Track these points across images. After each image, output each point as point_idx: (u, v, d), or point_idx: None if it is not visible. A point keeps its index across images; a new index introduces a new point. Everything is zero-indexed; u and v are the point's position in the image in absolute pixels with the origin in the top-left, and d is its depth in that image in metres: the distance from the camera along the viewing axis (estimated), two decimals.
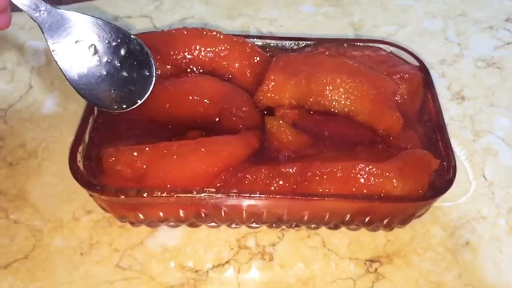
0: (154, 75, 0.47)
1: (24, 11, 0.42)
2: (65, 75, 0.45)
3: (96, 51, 0.45)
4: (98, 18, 0.45)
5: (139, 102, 0.47)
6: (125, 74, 0.46)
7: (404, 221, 0.49)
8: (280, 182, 0.45)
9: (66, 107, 0.60)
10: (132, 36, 0.46)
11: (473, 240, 0.51)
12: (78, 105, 0.59)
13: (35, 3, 0.41)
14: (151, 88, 0.47)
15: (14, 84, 0.63)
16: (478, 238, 0.51)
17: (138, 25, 0.71)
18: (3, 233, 0.50)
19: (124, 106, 0.47)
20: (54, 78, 0.63)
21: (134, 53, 0.46)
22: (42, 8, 0.42)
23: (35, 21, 0.42)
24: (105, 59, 0.45)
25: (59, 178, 0.54)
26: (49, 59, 0.66)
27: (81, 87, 0.45)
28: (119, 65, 0.46)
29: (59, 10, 0.43)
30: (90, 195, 0.46)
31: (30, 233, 0.50)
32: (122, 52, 0.45)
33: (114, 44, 0.45)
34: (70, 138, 0.56)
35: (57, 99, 0.61)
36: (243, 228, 0.51)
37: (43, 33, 0.43)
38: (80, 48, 0.44)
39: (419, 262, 0.49)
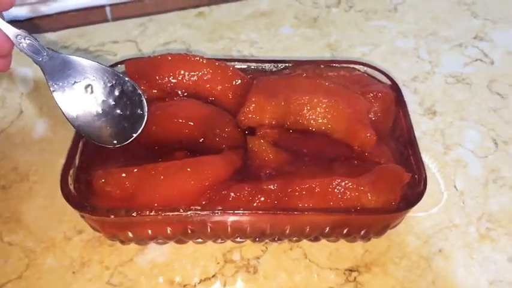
0: (145, 114, 0.51)
1: (29, 56, 0.45)
2: (63, 113, 0.48)
3: (92, 91, 0.49)
4: (95, 61, 0.49)
5: (132, 138, 0.50)
6: (118, 111, 0.50)
7: (380, 232, 0.52)
8: (262, 199, 0.48)
9: (55, 132, 0.63)
10: (126, 79, 0.50)
11: (445, 247, 0.54)
12: (67, 130, 0.61)
13: (38, 49, 0.45)
14: (143, 125, 0.51)
15: (5, 109, 0.65)
16: (450, 246, 0.54)
17: (124, 50, 0.74)
18: None
19: (118, 141, 0.50)
20: (44, 104, 0.66)
21: (128, 94, 0.50)
22: (45, 54, 0.46)
23: (37, 64, 0.46)
24: (100, 99, 0.49)
25: (50, 200, 0.56)
26: (38, 85, 0.68)
27: (79, 123, 0.49)
28: (113, 103, 0.49)
29: (60, 55, 0.47)
30: (82, 216, 0.49)
31: (24, 254, 0.52)
32: (117, 92, 0.49)
33: (109, 85, 0.49)
34: (60, 161, 0.58)
35: (47, 124, 0.64)
36: (228, 243, 0.53)
37: (45, 75, 0.47)
38: (77, 89, 0.48)
39: (395, 270, 0.52)
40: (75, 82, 0.48)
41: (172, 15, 0.81)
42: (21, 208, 0.56)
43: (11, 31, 0.44)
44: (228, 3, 0.84)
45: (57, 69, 0.47)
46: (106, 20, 0.82)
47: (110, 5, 0.81)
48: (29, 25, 0.78)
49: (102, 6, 0.81)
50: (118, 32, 0.78)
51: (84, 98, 0.49)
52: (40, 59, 0.46)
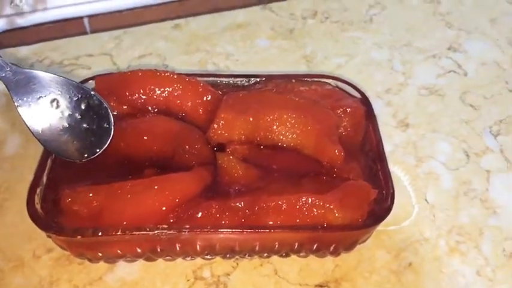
0: (112, 127, 0.51)
1: None
2: (29, 129, 0.48)
3: (58, 106, 0.49)
4: (60, 76, 0.49)
5: (99, 151, 0.51)
6: (85, 126, 0.50)
7: (349, 247, 0.52)
8: (230, 216, 0.48)
9: (27, 148, 0.62)
10: (92, 93, 0.50)
11: (416, 261, 0.54)
12: (38, 147, 0.60)
13: (1, 65, 0.45)
14: (110, 139, 0.51)
15: None
16: (421, 259, 0.54)
17: (99, 63, 0.74)
18: None
19: (85, 155, 0.51)
20: (15, 120, 0.65)
21: (94, 108, 0.50)
22: (8, 69, 0.46)
23: (0, 80, 0.45)
24: (66, 113, 0.49)
25: (20, 217, 0.56)
26: (9, 100, 0.67)
27: (45, 138, 0.49)
28: (79, 117, 0.50)
29: (24, 70, 0.47)
30: (48, 236, 0.48)
31: None
32: (83, 106, 0.49)
33: (75, 99, 0.49)
34: (31, 178, 0.58)
35: (18, 140, 0.63)
36: (199, 260, 0.53)
37: (9, 91, 0.47)
38: (43, 103, 0.49)
39: (365, 285, 0.52)
40: (40, 97, 0.48)
41: (148, 27, 0.81)
42: None
43: None
44: (204, 15, 0.84)
45: (21, 84, 0.47)
46: (84, 32, 0.81)
47: (88, 16, 0.81)
48: (4, 37, 0.77)
49: (80, 18, 0.81)
50: (93, 45, 0.78)
51: (49, 113, 0.49)
52: (3, 75, 0.46)
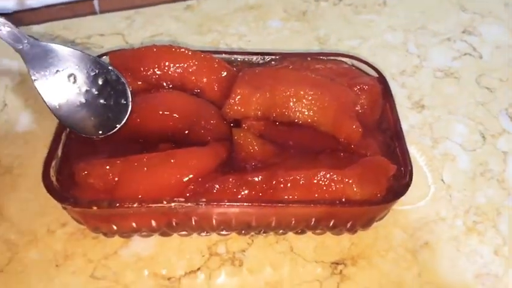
0: (129, 103, 0.50)
1: (9, 44, 0.44)
2: (45, 103, 0.47)
3: (75, 81, 0.48)
4: (78, 49, 0.48)
5: (116, 128, 0.50)
6: (102, 101, 0.49)
7: (366, 224, 0.52)
8: (247, 191, 0.48)
9: (40, 124, 0.62)
10: (109, 68, 0.49)
11: (432, 240, 0.54)
12: (52, 122, 0.60)
13: (18, 37, 0.44)
14: (127, 115, 0.50)
15: None
16: (437, 238, 0.54)
17: (111, 42, 0.73)
18: None
19: (101, 132, 0.50)
20: (28, 97, 0.65)
21: (111, 83, 0.49)
22: (25, 41, 0.45)
23: (17, 52, 0.45)
24: (84, 88, 0.48)
25: (34, 193, 0.55)
26: (23, 78, 0.67)
27: (61, 114, 0.48)
28: (96, 93, 0.49)
29: (41, 43, 0.46)
30: (64, 208, 0.48)
31: (6, 247, 0.51)
32: (100, 82, 0.49)
33: (92, 74, 0.48)
34: (44, 154, 0.57)
35: (31, 116, 0.63)
36: (214, 236, 0.53)
37: (25, 63, 0.46)
38: (60, 78, 0.48)
39: (381, 263, 0.52)
40: (57, 71, 0.47)
41: (159, 8, 0.81)
42: (4, 201, 0.55)
43: None
44: None
45: (38, 57, 0.46)
46: (94, 13, 0.81)
47: None
48: (15, 18, 0.77)
49: None
50: (105, 24, 0.77)
51: (66, 88, 0.48)
52: (21, 47, 0.45)
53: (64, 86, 0.48)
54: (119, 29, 0.76)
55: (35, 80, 0.47)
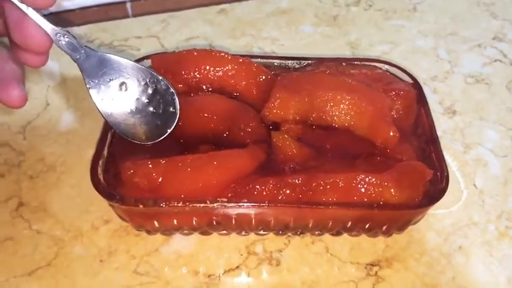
0: (178, 112, 0.52)
1: (67, 54, 0.47)
2: (98, 110, 0.50)
3: (126, 89, 0.50)
4: (130, 60, 0.50)
5: (165, 135, 0.52)
6: (152, 109, 0.51)
7: (401, 228, 0.53)
8: (287, 192, 0.49)
9: (81, 124, 0.64)
10: (160, 78, 0.51)
11: (465, 245, 0.55)
12: (93, 122, 0.63)
13: (76, 47, 0.46)
14: (175, 123, 0.52)
15: (31, 102, 0.66)
16: (470, 243, 0.55)
17: (147, 45, 0.75)
18: (27, 242, 0.53)
19: (150, 138, 0.52)
20: (70, 96, 0.67)
21: (161, 92, 0.51)
22: (82, 51, 0.47)
23: (75, 62, 0.47)
24: (135, 96, 0.50)
25: (77, 190, 0.57)
26: (64, 78, 0.70)
27: (113, 120, 0.50)
28: (147, 101, 0.51)
29: (97, 53, 0.48)
30: (111, 205, 0.50)
31: (53, 242, 0.53)
32: (150, 91, 0.51)
33: (143, 83, 0.50)
34: (86, 152, 0.60)
35: (73, 116, 0.65)
36: (251, 236, 0.54)
37: (81, 72, 0.48)
38: (112, 86, 0.50)
39: (415, 266, 0.53)
40: (110, 80, 0.49)
41: (193, 11, 0.82)
42: (48, 198, 0.57)
43: (51, 29, 0.45)
44: (248, 1, 0.85)
45: (93, 66, 0.48)
46: (126, 16, 0.83)
47: (131, 1, 0.82)
48: (52, 19, 0.79)
49: (123, 2, 0.82)
50: (140, 27, 0.79)
51: (118, 96, 0.50)
52: (78, 57, 0.47)
53: (116, 94, 0.50)
54: (155, 32, 0.78)
55: (89, 88, 0.49)
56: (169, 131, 0.52)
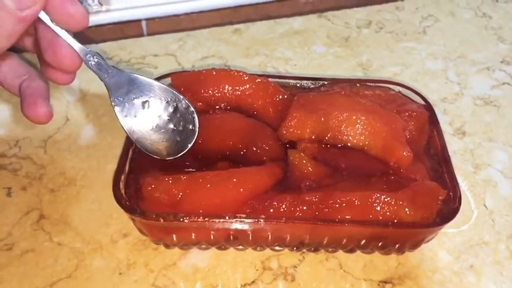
0: (197, 130, 0.54)
1: (95, 73, 0.49)
2: (122, 127, 0.52)
3: (149, 107, 0.52)
4: (154, 80, 0.52)
5: (184, 151, 0.54)
6: (172, 126, 0.53)
7: (414, 246, 0.54)
8: (304, 209, 0.50)
9: (101, 139, 0.66)
10: (181, 97, 0.53)
11: (476, 264, 0.56)
12: (112, 138, 0.65)
13: (104, 67, 0.49)
14: (194, 140, 0.54)
15: None
16: (481, 262, 0.56)
17: (164, 63, 0.78)
18: (48, 254, 0.54)
19: (170, 154, 0.54)
20: (89, 112, 0.69)
21: (181, 110, 0.53)
22: (110, 71, 0.49)
23: (102, 81, 0.50)
24: (156, 114, 0.52)
25: (97, 204, 0.59)
26: (83, 94, 0.72)
27: (136, 136, 0.52)
28: (168, 118, 0.53)
29: (124, 73, 0.51)
30: (132, 219, 0.51)
31: (73, 254, 0.54)
32: (171, 109, 0.53)
33: (165, 101, 0.52)
34: (106, 167, 0.61)
35: (92, 131, 0.67)
36: (267, 251, 0.55)
37: (108, 91, 0.50)
38: (136, 104, 0.52)
39: (427, 284, 0.54)
40: (134, 98, 0.51)
41: (207, 31, 0.85)
42: (69, 211, 0.58)
43: (82, 50, 0.47)
44: (262, 21, 0.87)
45: (119, 86, 0.50)
46: (142, 34, 0.85)
47: (146, 19, 0.84)
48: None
49: (139, 20, 0.84)
50: (157, 45, 0.81)
51: (141, 113, 0.52)
52: (105, 76, 0.49)
53: (139, 111, 0.52)
54: (171, 51, 0.80)
55: (114, 105, 0.51)
56: (189, 146, 0.54)
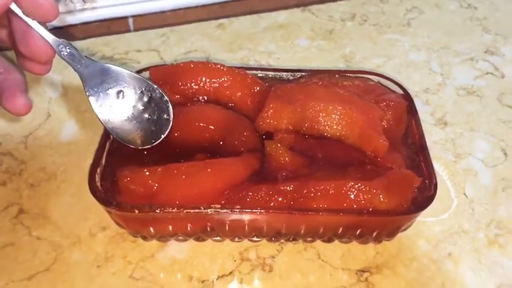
0: (171, 119, 0.54)
1: (68, 64, 0.50)
2: (97, 116, 0.52)
3: (123, 97, 0.53)
4: (127, 69, 0.53)
5: (159, 140, 0.54)
6: (147, 116, 0.54)
7: (391, 234, 0.54)
8: (279, 199, 0.50)
9: (82, 134, 0.66)
10: (155, 86, 0.54)
11: (455, 252, 0.56)
12: (93, 133, 0.65)
13: (77, 57, 0.49)
14: (169, 129, 0.55)
15: (33, 113, 0.67)
16: (460, 250, 0.56)
17: (147, 58, 0.78)
18: (27, 248, 0.55)
19: (145, 143, 0.54)
20: (71, 108, 0.69)
21: (156, 100, 0.54)
22: (83, 62, 0.50)
23: (76, 71, 0.50)
24: (131, 104, 0.53)
25: (77, 198, 0.59)
26: (65, 90, 0.72)
27: (111, 126, 0.53)
28: (142, 108, 0.54)
29: (97, 63, 0.51)
30: (108, 211, 0.51)
31: (52, 248, 0.55)
32: (145, 98, 0.53)
33: (139, 91, 0.53)
34: (86, 162, 0.62)
35: (74, 127, 0.67)
36: (245, 242, 0.55)
37: (82, 81, 0.51)
38: (110, 94, 0.52)
39: (405, 272, 0.54)
40: (108, 88, 0.52)
41: (192, 26, 0.85)
42: (49, 205, 0.58)
43: (54, 40, 0.48)
44: (246, 16, 0.87)
45: (93, 76, 0.51)
46: (128, 31, 0.85)
47: (133, 16, 0.85)
48: (55, 33, 0.82)
49: (125, 17, 0.84)
50: (141, 41, 0.81)
51: (116, 103, 0.52)
52: (79, 67, 0.50)
53: (113, 101, 0.52)
54: (155, 46, 0.80)
55: (88, 95, 0.51)
56: (163, 136, 0.54)
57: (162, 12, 0.85)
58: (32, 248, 0.55)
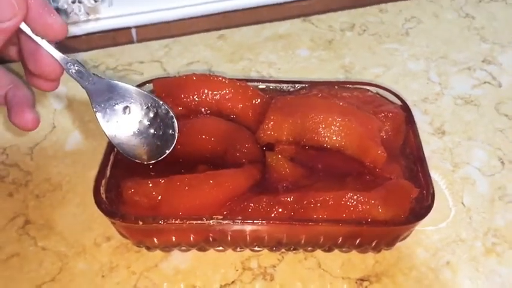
0: (176, 134, 0.56)
1: (76, 81, 0.51)
2: (104, 132, 0.54)
3: (130, 112, 0.54)
4: (134, 86, 0.54)
5: (164, 155, 0.56)
6: (152, 131, 0.55)
7: (390, 244, 0.55)
8: (280, 209, 0.51)
9: (86, 145, 0.67)
10: (161, 103, 0.55)
11: (453, 260, 0.57)
12: (97, 144, 0.66)
13: (85, 75, 0.51)
14: (174, 144, 0.56)
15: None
16: (457, 259, 0.57)
17: (150, 69, 0.79)
18: (33, 258, 0.56)
19: (151, 158, 0.56)
20: (75, 119, 0.70)
21: (161, 116, 0.55)
22: (90, 79, 0.51)
23: (83, 88, 0.52)
24: (137, 119, 0.54)
25: (82, 208, 0.60)
26: (70, 102, 0.73)
27: (117, 141, 0.54)
28: (148, 124, 0.55)
29: (104, 80, 0.52)
30: (112, 222, 0.53)
31: (57, 258, 0.56)
32: (151, 114, 0.55)
33: (145, 107, 0.54)
34: (91, 172, 0.63)
35: (78, 137, 0.68)
36: (247, 252, 0.57)
37: (89, 98, 0.52)
38: (117, 110, 0.54)
39: (404, 281, 0.55)
40: (115, 104, 0.53)
41: (195, 37, 0.86)
42: (54, 216, 0.60)
43: (62, 58, 0.49)
44: (248, 26, 0.88)
45: (100, 92, 0.52)
46: (132, 41, 0.86)
47: (136, 27, 0.86)
48: (60, 45, 0.83)
49: (128, 28, 0.86)
50: (144, 52, 0.83)
51: (122, 119, 0.54)
52: (86, 84, 0.51)
53: (120, 117, 0.53)
54: (158, 57, 0.82)
55: (96, 111, 0.52)
56: (168, 151, 0.55)
57: (165, 22, 0.87)
58: (38, 258, 0.56)
